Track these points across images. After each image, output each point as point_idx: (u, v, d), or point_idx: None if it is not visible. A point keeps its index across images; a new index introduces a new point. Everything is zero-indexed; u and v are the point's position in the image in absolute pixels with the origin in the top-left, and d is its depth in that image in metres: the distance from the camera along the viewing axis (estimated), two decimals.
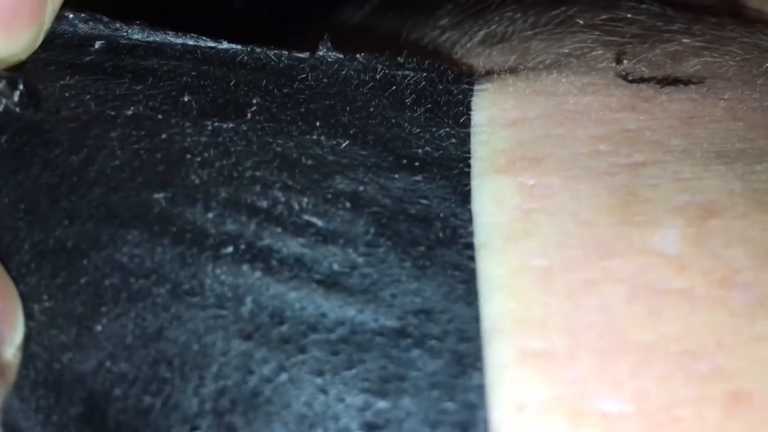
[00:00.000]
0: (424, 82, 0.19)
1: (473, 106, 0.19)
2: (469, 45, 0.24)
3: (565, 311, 0.15)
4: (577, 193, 0.17)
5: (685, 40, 0.21)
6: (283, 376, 0.15)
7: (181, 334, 0.16)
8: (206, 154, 0.17)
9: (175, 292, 0.16)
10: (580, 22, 0.23)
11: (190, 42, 0.20)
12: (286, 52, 0.20)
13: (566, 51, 0.22)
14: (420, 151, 0.18)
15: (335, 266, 0.16)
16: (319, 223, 0.17)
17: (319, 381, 0.15)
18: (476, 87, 0.20)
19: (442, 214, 0.17)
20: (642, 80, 0.20)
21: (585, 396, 0.15)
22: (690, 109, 0.19)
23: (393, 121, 0.18)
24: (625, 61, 0.20)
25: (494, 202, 0.17)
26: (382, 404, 0.15)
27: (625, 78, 0.20)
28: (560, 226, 0.16)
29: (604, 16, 0.23)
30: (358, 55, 0.19)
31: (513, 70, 0.21)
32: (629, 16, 0.23)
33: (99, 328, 0.16)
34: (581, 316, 0.15)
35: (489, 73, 0.21)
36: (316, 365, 0.15)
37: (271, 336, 0.16)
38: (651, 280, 0.15)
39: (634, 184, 0.17)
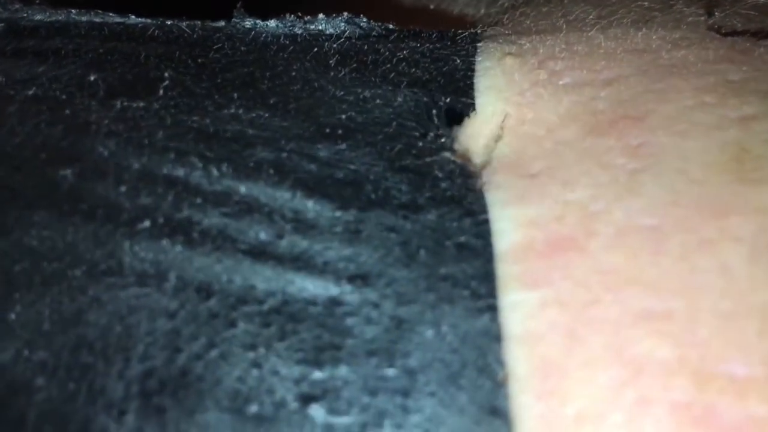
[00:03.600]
0: (347, 43, 0.18)
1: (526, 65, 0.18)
2: None
3: (681, 272, 0.15)
4: (685, 150, 0.16)
5: None
6: (214, 353, 0.15)
7: (102, 317, 0.15)
8: (113, 127, 0.16)
9: (91, 273, 0.15)
10: None
11: (97, 19, 0.19)
12: (200, 23, 0.19)
13: (646, 5, 0.21)
14: (344, 116, 0.17)
15: (262, 235, 0.15)
16: (242, 189, 0.16)
17: (251, 355, 0.15)
18: (555, 44, 0.19)
19: (372, 177, 0.16)
20: (735, 33, 0.19)
21: (710, 358, 0.14)
22: None
23: (315, 84, 0.18)
24: (716, 13, 0.20)
25: (598, 165, 0.16)
26: (318, 374, 0.15)
27: (717, 31, 0.19)
28: (669, 185, 0.16)
29: None
30: (274, 20, 0.19)
31: (594, 26, 0.20)
32: None
33: (13, 316, 0.15)
34: (698, 277, 0.15)
35: (570, 26, 0.20)
36: (248, 339, 0.15)
37: (198, 311, 0.15)
38: None
39: (746, 140, 0.16)
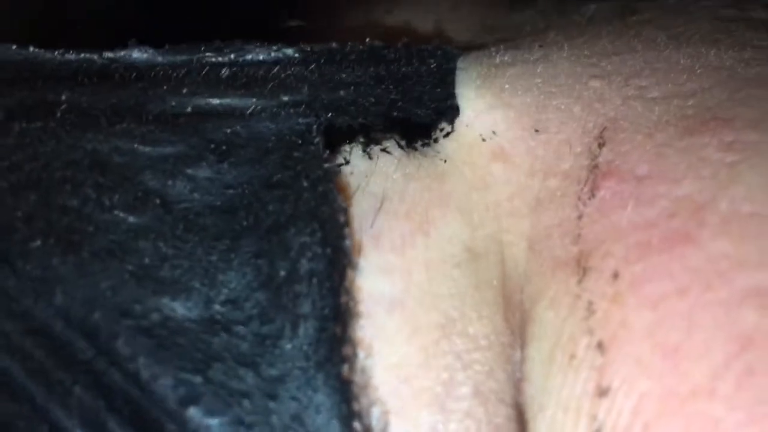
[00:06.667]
0: (240, 60, 0.20)
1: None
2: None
3: None
4: None
5: None
6: (101, 362, 0.16)
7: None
8: (13, 158, 0.17)
9: (22, 287, 0.17)
10: None
11: None
12: (97, 54, 0.20)
13: (709, 28, 0.22)
14: (228, 131, 0.18)
15: (146, 260, 0.17)
16: (130, 218, 0.17)
17: (131, 366, 0.16)
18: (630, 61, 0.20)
19: (246, 201, 0.18)
20: None
21: None
22: None
23: (203, 103, 0.19)
24: None
25: (699, 160, 0.17)
26: (195, 380, 0.16)
27: None
28: (765, 173, 0.17)
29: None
30: (168, 47, 0.20)
31: (667, 46, 0.22)
32: None
33: None
34: None
35: (644, 46, 0.22)
36: (128, 350, 0.16)
37: (86, 323, 0.16)
38: None
39: None
